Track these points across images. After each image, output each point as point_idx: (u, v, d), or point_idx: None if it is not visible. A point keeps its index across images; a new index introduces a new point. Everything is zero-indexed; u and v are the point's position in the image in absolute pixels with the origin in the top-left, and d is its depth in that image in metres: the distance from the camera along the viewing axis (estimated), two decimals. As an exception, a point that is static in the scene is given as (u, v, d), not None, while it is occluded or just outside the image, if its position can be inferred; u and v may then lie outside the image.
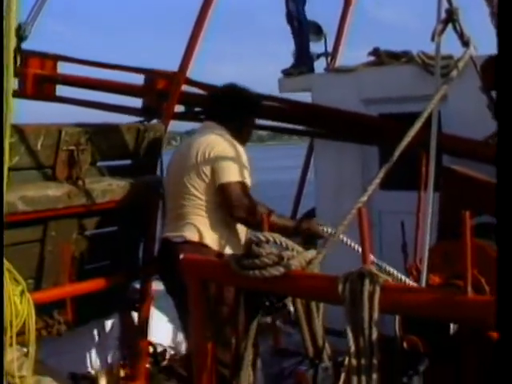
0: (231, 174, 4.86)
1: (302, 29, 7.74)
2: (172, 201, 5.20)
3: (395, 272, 3.76)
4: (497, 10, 3.41)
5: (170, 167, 5.32)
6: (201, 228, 4.95)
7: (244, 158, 5.01)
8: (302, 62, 7.75)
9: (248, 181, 4.97)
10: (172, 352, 6.80)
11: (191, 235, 4.95)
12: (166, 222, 5.37)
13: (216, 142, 5.01)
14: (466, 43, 3.81)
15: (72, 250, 5.31)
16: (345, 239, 4.22)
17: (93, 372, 6.06)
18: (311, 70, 7.83)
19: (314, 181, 7.79)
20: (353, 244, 4.14)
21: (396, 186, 6.58)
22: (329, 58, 8.21)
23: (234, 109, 5.25)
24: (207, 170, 4.90)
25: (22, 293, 4.32)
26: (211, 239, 4.94)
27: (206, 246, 4.90)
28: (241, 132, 5.28)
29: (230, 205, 4.82)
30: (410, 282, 3.66)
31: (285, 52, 8.14)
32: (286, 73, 7.67)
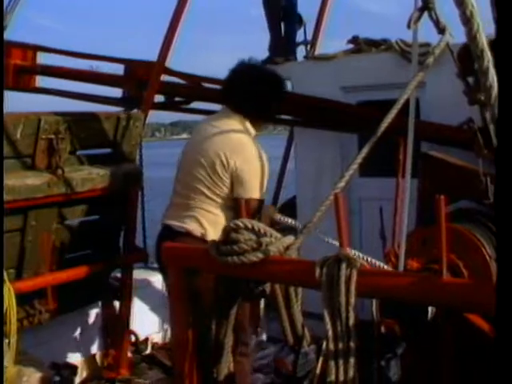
0: (253, 189, 4.74)
1: (293, 16, 7.73)
2: (180, 188, 4.99)
3: (370, 258, 3.76)
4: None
5: (186, 151, 5.05)
6: (205, 224, 4.84)
7: (264, 163, 4.84)
8: (288, 49, 7.72)
9: (264, 189, 4.84)
10: (154, 341, 6.83)
11: (195, 229, 4.84)
12: (169, 205, 5.09)
13: (241, 146, 4.80)
14: (441, 30, 3.84)
15: (52, 239, 5.32)
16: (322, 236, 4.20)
17: (75, 361, 6.08)
18: (295, 58, 7.84)
19: (294, 169, 7.82)
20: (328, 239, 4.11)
21: (375, 173, 6.63)
22: (308, 47, 8.22)
23: (251, 94, 4.93)
24: (227, 176, 4.75)
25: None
26: (215, 236, 4.80)
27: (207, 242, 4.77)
28: (258, 119, 5.03)
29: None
30: (384, 267, 3.68)
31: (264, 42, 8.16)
32: (272, 61, 7.59)
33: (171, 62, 6.65)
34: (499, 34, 1.87)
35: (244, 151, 4.79)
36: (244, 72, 5.11)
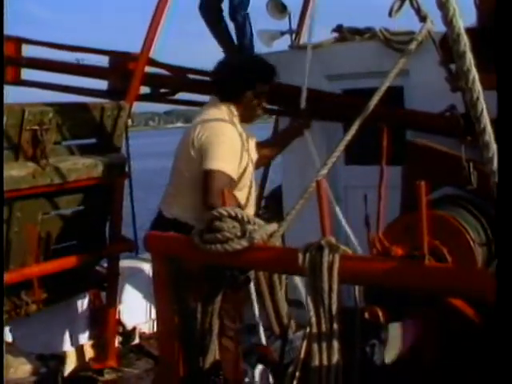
0: (215, 161, 4.69)
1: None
2: (170, 175, 5.09)
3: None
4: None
5: None
6: (188, 208, 4.83)
7: (236, 142, 4.83)
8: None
9: (234, 168, 4.78)
10: (142, 330, 6.83)
11: (179, 215, 4.85)
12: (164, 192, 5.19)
13: (208, 125, 4.84)
14: (423, 18, 3.91)
15: (38, 230, 5.31)
16: None
17: (62, 352, 6.08)
18: None
19: (280, 159, 7.83)
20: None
21: (361, 160, 6.66)
22: (293, 36, 8.23)
23: (231, 81, 5.01)
24: (196, 155, 4.76)
25: (-11, 274, 4.34)
26: (196, 221, 4.77)
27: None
28: (244, 108, 5.02)
29: (204, 192, 4.66)
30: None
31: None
32: None
33: (158, 53, 6.65)
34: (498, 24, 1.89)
35: (213, 128, 4.82)
36: (221, 62, 5.31)
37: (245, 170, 4.90)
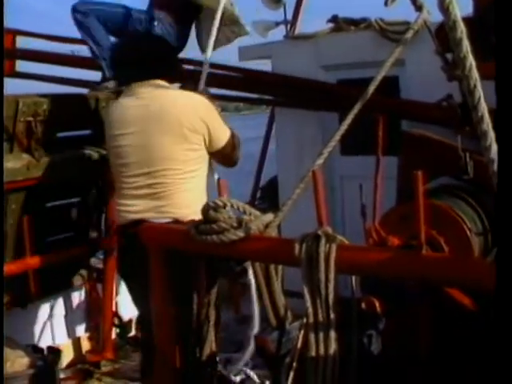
0: (226, 128, 4.65)
1: None
2: (140, 178, 4.50)
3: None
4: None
5: (118, 135, 4.64)
6: (189, 203, 4.45)
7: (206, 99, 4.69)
8: None
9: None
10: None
11: (183, 213, 4.43)
12: (131, 200, 4.56)
13: (191, 101, 4.55)
14: (419, 8, 3.90)
15: (33, 222, 5.29)
16: None
17: (58, 345, 6.07)
18: None
19: (275, 149, 7.82)
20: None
21: (357, 151, 6.65)
22: (288, 26, 8.23)
23: (165, 57, 4.91)
24: (198, 137, 4.47)
25: (-16, 266, 4.33)
26: (198, 211, 4.51)
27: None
28: (171, 76, 4.86)
29: (231, 157, 4.79)
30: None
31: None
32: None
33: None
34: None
35: (196, 103, 4.56)
36: (133, 46, 5.00)
37: None
